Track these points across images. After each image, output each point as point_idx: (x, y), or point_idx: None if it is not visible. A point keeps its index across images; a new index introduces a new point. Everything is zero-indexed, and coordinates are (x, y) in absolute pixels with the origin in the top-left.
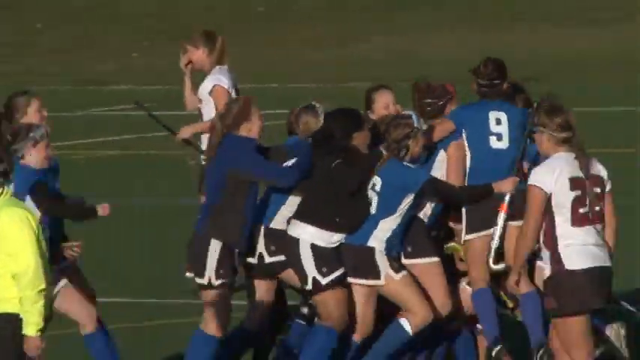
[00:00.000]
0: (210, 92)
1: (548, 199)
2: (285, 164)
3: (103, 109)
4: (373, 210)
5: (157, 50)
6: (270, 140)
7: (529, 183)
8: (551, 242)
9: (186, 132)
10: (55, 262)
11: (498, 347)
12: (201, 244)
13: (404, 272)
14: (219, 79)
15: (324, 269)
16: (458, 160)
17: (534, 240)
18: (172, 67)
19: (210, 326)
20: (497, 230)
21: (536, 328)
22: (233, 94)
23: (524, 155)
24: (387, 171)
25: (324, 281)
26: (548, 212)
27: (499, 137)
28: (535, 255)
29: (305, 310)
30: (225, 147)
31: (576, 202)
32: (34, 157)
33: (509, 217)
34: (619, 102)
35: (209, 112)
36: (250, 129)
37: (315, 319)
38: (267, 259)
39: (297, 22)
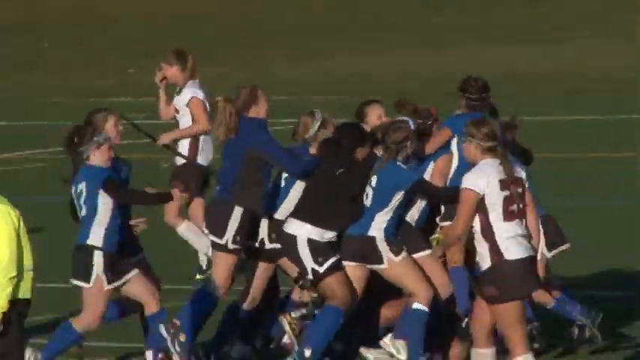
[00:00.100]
0: (188, 103)
1: (481, 199)
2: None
3: None
4: (369, 203)
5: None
6: None
7: (462, 186)
8: (489, 236)
9: (165, 138)
10: (126, 254)
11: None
12: (225, 209)
13: (403, 254)
14: (195, 91)
15: (320, 259)
16: (442, 171)
17: (462, 233)
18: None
19: (214, 285)
20: None
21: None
22: (207, 105)
23: None
24: (384, 170)
25: (321, 270)
26: (482, 210)
27: None
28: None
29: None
30: (243, 129)
31: (506, 201)
32: (97, 158)
33: None
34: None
35: (186, 121)
36: (259, 112)
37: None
38: (268, 246)
39: (271, 43)
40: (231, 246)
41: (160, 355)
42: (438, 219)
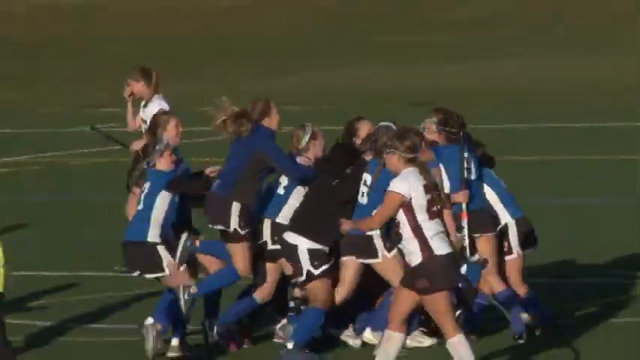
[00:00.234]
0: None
1: (408, 202)
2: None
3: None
4: (365, 201)
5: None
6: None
7: (389, 189)
8: (420, 235)
9: (137, 145)
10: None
11: (457, 312)
12: (224, 204)
13: (394, 251)
14: (161, 104)
15: (316, 263)
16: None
17: (377, 226)
18: None
19: (237, 267)
20: (465, 231)
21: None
22: None
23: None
24: (382, 175)
25: (316, 272)
26: (410, 212)
27: (469, 170)
28: (508, 251)
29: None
30: (255, 134)
31: (430, 203)
32: (162, 164)
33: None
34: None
35: None
36: (271, 123)
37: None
38: (270, 247)
39: (236, 61)
40: (242, 232)
41: (159, 327)
42: (464, 227)
